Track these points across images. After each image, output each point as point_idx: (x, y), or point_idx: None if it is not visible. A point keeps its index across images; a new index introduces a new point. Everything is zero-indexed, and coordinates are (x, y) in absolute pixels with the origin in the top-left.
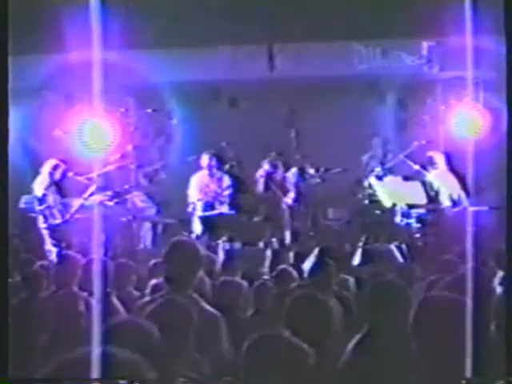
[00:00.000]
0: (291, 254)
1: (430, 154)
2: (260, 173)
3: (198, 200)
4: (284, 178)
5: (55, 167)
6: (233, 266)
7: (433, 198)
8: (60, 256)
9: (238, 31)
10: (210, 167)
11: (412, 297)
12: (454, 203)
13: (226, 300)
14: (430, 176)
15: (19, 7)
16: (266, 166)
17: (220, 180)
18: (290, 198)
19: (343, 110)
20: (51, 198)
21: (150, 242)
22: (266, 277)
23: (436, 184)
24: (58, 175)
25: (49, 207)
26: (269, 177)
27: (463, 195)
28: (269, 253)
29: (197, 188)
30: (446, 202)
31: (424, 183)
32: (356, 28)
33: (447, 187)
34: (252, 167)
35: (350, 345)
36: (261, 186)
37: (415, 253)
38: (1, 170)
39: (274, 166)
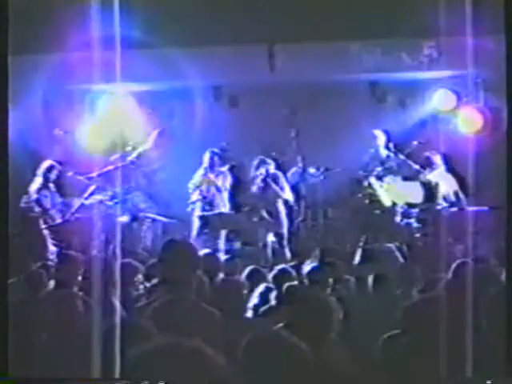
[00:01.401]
0: (291, 254)
1: (427, 154)
2: (261, 171)
3: (200, 197)
4: (276, 176)
5: (50, 168)
6: (232, 265)
7: (434, 197)
8: (60, 256)
9: (238, 31)
10: (212, 165)
11: (412, 296)
12: (452, 203)
13: (225, 299)
14: (431, 176)
15: (19, 7)
16: (269, 166)
17: (223, 177)
18: (287, 195)
19: (343, 110)
20: (48, 200)
21: (150, 242)
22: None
23: (435, 184)
24: (53, 176)
25: (46, 209)
26: (268, 176)
27: (462, 195)
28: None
29: (199, 184)
30: (444, 202)
31: (424, 183)
32: (356, 28)
33: (446, 187)
34: (252, 167)
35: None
36: (258, 185)
37: (415, 252)
38: (1, 170)
39: (276, 165)
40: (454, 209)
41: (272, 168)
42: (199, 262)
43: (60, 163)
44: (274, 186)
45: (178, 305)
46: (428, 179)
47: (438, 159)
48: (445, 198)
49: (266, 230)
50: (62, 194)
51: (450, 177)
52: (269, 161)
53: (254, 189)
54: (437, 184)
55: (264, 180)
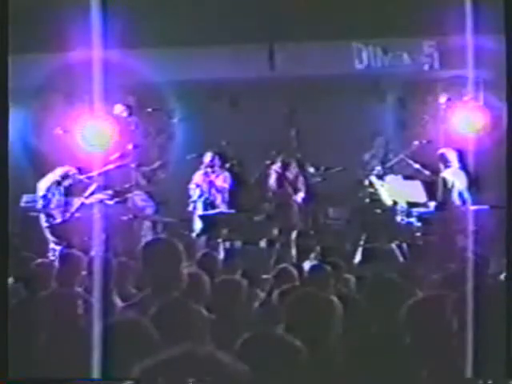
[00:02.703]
0: (291, 253)
1: (443, 151)
2: (274, 168)
3: (200, 196)
4: (296, 176)
5: (67, 175)
6: (233, 264)
7: (446, 196)
8: (60, 255)
9: (238, 30)
10: (212, 165)
11: (412, 296)
12: (464, 201)
13: (225, 299)
14: (446, 174)
15: (19, 7)
16: (279, 163)
17: (223, 176)
18: (299, 197)
19: (344, 109)
20: (54, 199)
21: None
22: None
23: (451, 182)
24: (67, 182)
25: (49, 208)
26: (282, 174)
27: (468, 194)
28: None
29: (199, 184)
30: (457, 200)
31: (425, 182)
32: (356, 27)
33: (460, 185)
34: (252, 166)
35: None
36: (272, 181)
37: (416, 252)
38: (1, 170)
39: (287, 164)
40: (457, 208)
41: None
42: (181, 261)
43: (60, 162)
44: (286, 184)
45: (163, 304)
46: (444, 177)
47: (452, 156)
48: (463, 197)
49: (268, 228)
50: (63, 193)
51: (463, 174)
52: (288, 160)
53: (271, 182)
54: (448, 182)
55: (279, 179)
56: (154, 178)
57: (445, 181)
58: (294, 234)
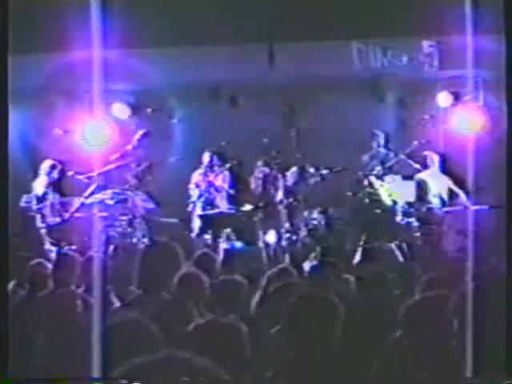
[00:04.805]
0: (292, 254)
1: (426, 153)
2: (256, 174)
3: (199, 197)
4: (276, 177)
5: (52, 167)
6: (232, 264)
7: (423, 197)
8: (60, 255)
9: (238, 30)
10: (212, 165)
11: (411, 295)
12: (444, 202)
13: (225, 299)
14: (422, 175)
15: (19, 7)
16: (260, 169)
17: (223, 176)
18: (280, 196)
19: (343, 109)
20: (51, 197)
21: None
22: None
23: (426, 183)
24: (55, 174)
25: (48, 206)
26: (265, 178)
27: (462, 195)
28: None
29: (198, 184)
30: (434, 201)
31: (419, 183)
32: (356, 27)
33: (439, 186)
34: (252, 166)
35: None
36: (259, 188)
37: (416, 251)
38: (1, 170)
39: (269, 168)
40: (458, 207)
41: (270, 169)
42: (180, 264)
43: (60, 162)
44: (269, 188)
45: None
46: (419, 178)
47: (434, 159)
48: (440, 197)
49: (266, 229)
50: (63, 193)
51: (442, 176)
52: (268, 162)
53: (254, 188)
54: (425, 183)
55: (263, 182)
56: (154, 177)
57: (419, 182)
58: (283, 234)
